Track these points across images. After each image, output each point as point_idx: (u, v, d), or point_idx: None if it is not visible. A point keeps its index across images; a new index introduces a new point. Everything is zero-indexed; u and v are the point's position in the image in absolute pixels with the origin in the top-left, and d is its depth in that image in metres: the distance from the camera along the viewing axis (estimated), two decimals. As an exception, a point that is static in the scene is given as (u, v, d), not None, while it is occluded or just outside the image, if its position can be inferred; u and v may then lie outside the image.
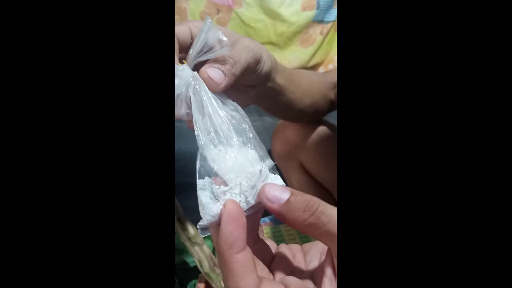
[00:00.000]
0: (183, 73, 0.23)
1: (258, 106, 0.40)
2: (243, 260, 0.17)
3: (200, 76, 0.23)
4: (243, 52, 0.26)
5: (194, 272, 0.46)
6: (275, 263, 0.22)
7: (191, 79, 0.23)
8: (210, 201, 0.19)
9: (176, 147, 0.76)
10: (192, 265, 0.47)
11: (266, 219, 0.65)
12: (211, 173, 0.20)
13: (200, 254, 0.37)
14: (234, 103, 0.24)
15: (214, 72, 0.23)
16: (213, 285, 0.37)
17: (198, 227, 0.19)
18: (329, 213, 0.18)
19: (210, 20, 0.23)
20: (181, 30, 0.25)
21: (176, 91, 0.22)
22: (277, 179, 0.22)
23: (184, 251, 0.47)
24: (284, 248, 0.24)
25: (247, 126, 0.23)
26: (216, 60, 0.25)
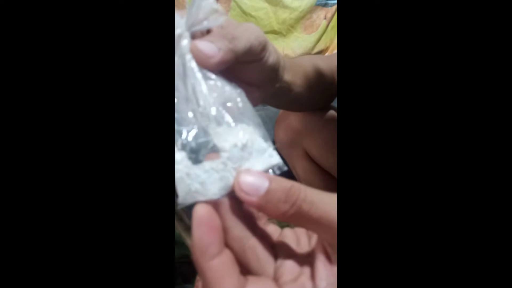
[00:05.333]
0: (180, 23, 0.20)
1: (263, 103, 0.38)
2: (218, 267, 0.16)
3: (190, 50, 0.20)
4: (245, 31, 0.23)
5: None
6: (276, 251, 0.20)
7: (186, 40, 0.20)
8: (184, 177, 0.17)
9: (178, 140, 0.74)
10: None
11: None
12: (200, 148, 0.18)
13: (197, 246, 0.36)
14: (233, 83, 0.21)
15: (204, 44, 0.20)
16: (212, 278, 0.36)
17: (176, 205, 0.17)
18: (310, 199, 0.16)
19: None
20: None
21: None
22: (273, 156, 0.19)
23: (183, 243, 0.45)
24: (288, 233, 0.22)
25: (242, 101, 0.20)
26: (211, 34, 0.21)
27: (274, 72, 0.29)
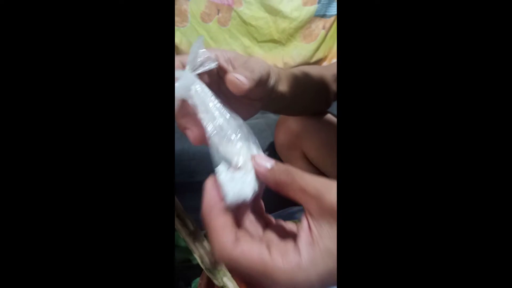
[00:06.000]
0: (184, 76, 0.26)
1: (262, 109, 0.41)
2: (220, 222, 0.21)
3: (227, 79, 0.27)
4: (257, 64, 0.29)
5: (198, 270, 0.46)
6: (270, 227, 0.25)
7: (192, 84, 0.26)
8: (229, 181, 0.22)
9: (179, 147, 0.76)
10: (194, 262, 0.47)
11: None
12: (225, 162, 0.24)
13: (200, 250, 0.37)
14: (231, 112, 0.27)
15: (240, 76, 0.27)
16: (214, 281, 0.37)
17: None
18: (302, 174, 0.21)
19: (201, 38, 0.27)
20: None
21: (177, 94, 0.25)
22: None
23: (187, 248, 0.47)
24: (286, 223, 0.25)
25: (242, 125, 0.26)
26: (238, 70, 0.28)
27: (272, 89, 0.35)
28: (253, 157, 0.24)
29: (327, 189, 0.20)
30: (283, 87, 0.38)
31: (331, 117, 0.56)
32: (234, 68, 0.30)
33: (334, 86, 0.50)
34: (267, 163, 0.23)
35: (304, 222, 0.21)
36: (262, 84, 0.30)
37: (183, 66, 0.27)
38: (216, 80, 0.30)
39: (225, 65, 0.29)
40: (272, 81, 0.33)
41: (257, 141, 0.26)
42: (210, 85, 0.27)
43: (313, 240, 0.19)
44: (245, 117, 0.33)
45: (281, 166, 0.23)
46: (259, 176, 0.23)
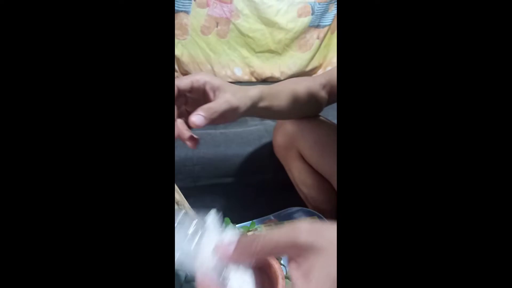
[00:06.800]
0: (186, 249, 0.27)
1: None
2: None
3: (189, 121, 0.34)
4: (222, 104, 0.36)
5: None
6: None
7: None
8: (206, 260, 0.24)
9: (183, 153, 0.80)
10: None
11: (271, 216, 0.68)
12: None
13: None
14: None
15: (196, 118, 0.34)
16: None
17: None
18: (266, 233, 0.22)
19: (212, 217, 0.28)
20: (183, 83, 0.35)
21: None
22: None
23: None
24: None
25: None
26: (201, 108, 0.35)
27: (245, 112, 0.41)
28: (214, 250, 0.23)
29: (296, 233, 0.21)
30: (265, 103, 0.44)
31: (323, 119, 0.63)
32: (214, 96, 0.36)
33: (322, 93, 0.56)
34: (228, 250, 0.23)
35: (291, 266, 0.22)
36: (227, 115, 0.37)
37: (192, 85, 0.34)
38: (202, 97, 0.37)
39: (210, 92, 0.36)
40: (240, 111, 0.39)
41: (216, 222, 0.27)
42: (197, 101, 0.34)
43: (304, 275, 0.21)
44: (225, 123, 0.39)
45: (243, 241, 0.22)
46: (233, 263, 0.23)
